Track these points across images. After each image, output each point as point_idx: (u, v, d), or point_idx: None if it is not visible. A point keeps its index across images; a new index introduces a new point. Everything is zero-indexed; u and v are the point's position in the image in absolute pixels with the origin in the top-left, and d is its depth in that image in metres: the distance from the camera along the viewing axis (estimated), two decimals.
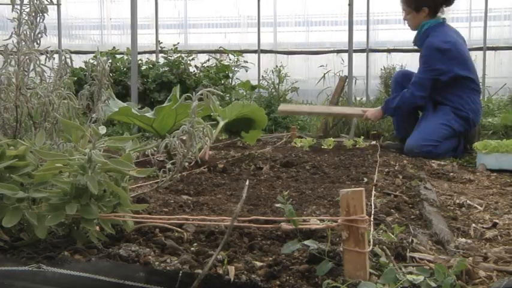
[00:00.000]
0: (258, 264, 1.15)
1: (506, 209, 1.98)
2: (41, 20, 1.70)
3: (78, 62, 6.69)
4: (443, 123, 3.93)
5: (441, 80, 3.91)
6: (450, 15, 9.15)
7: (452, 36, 4.06)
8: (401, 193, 2.15)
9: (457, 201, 2.09)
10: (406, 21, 4.21)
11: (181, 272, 1.04)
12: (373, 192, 2.04)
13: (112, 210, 1.29)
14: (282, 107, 4.98)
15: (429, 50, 3.94)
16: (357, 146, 4.01)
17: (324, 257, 1.11)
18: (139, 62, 6.65)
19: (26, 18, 1.68)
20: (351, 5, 5.99)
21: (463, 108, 3.98)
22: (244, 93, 7.26)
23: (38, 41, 1.72)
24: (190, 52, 7.26)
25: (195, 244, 1.31)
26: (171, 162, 1.67)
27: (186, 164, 1.69)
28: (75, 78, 5.51)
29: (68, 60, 1.76)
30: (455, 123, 3.96)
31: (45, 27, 1.72)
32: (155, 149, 2.37)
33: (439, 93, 4.01)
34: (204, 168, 2.77)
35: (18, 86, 1.68)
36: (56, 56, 1.79)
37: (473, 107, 4.02)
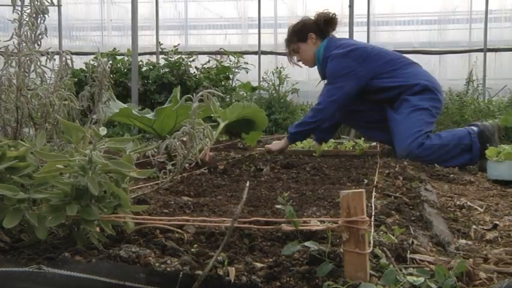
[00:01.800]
0: (259, 265, 1.15)
1: (506, 211, 1.98)
2: (42, 21, 1.71)
3: (79, 63, 6.70)
4: (411, 111, 3.44)
5: (366, 83, 3.55)
6: (451, 16, 9.17)
7: (350, 42, 3.77)
8: (401, 194, 2.15)
9: (458, 202, 2.08)
10: (302, 63, 3.90)
11: (181, 273, 1.04)
12: (374, 194, 2.04)
13: (112, 211, 1.29)
14: None
15: (332, 62, 3.58)
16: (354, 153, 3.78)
17: (324, 258, 1.11)
18: (140, 63, 6.65)
19: (27, 19, 1.68)
20: (351, 6, 6.00)
21: (410, 83, 3.52)
22: (245, 94, 7.27)
23: (39, 42, 1.72)
24: (190, 53, 7.27)
25: (196, 245, 1.31)
26: (171, 163, 1.67)
27: (187, 165, 1.69)
28: (76, 79, 5.52)
29: (69, 62, 1.77)
30: (421, 101, 3.46)
31: (45, 29, 1.73)
32: (155, 150, 2.37)
33: (378, 92, 3.61)
34: (205, 169, 2.77)
35: (19, 87, 1.68)
36: (56, 57, 1.79)
37: (416, 77, 3.56)
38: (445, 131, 3.57)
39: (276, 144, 3.72)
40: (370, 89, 3.57)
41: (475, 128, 3.37)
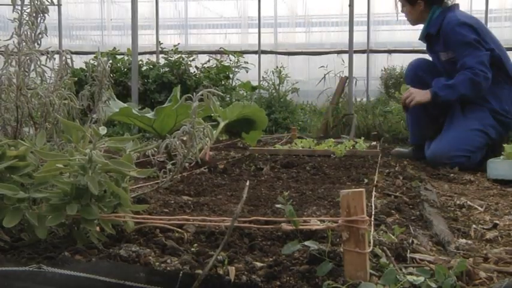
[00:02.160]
0: (259, 264, 1.15)
1: (506, 210, 1.98)
2: (42, 21, 1.70)
3: (79, 62, 6.69)
4: (478, 129, 3.25)
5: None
6: None
7: (472, 16, 3.56)
8: (401, 194, 2.15)
9: (458, 202, 2.08)
10: (406, 16, 3.68)
11: (181, 272, 1.04)
12: (374, 193, 2.04)
13: (112, 211, 1.29)
14: None
15: (458, 27, 3.26)
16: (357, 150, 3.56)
17: (324, 257, 1.11)
18: (140, 62, 6.65)
19: (27, 18, 1.68)
20: (351, 5, 5.99)
21: (503, 112, 3.31)
22: (245, 94, 7.27)
23: (39, 42, 1.72)
24: (190, 53, 7.27)
25: (196, 245, 1.31)
26: (171, 162, 1.67)
27: (187, 164, 1.69)
28: (76, 78, 5.50)
29: (69, 61, 1.76)
30: (493, 130, 3.28)
31: (45, 28, 1.72)
32: (155, 149, 2.37)
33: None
34: (205, 168, 2.77)
35: (19, 87, 1.68)
36: (56, 56, 1.79)
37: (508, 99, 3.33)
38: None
39: (418, 93, 3.32)
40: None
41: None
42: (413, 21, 3.63)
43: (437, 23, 3.38)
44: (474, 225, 1.67)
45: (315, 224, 1.27)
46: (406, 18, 3.69)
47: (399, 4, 3.64)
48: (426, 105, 3.38)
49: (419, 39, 3.66)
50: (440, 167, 3.08)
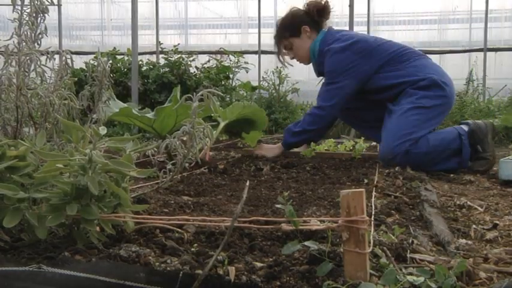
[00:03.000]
0: (259, 264, 1.15)
1: (506, 210, 1.98)
2: (42, 21, 1.71)
3: (79, 62, 6.70)
4: (408, 109, 3.00)
5: (368, 79, 3.16)
6: (450, 16, 9.17)
7: (351, 34, 3.33)
8: (401, 194, 2.15)
9: (458, 202, 2.08)
10: (297, 60, 3.46)
11: (181, 272, 1.04)
12: (374, 193, 2.04)
13: (112, 211, 1.29)
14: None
15: (328, 58, 3.19)
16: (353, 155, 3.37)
17: (324, 257, 1.11)
18: (140, 62, 6.65)
19: (27, 18, 1.68)
20: (351, 6, 5.99)
21: (416, 77, 3.08)
22: (245, 94, 7.26)
23: (39, 42, 1.72)
24: (190, 53, 7.27)
25: (196, 245, 1.31)
26: (171, 162, 1.67)
27: (187, 164, 1.69)
28: (76, 78, 5.51)
29: (69, 61, 1.76)
30: (424, 99, 3.02)
31: (45, 28, 1.72)
32: (155, 149, 2.37)
33: (379, 92, 3.20)
34: (205, 169, 2.77)
35: (19, 87, 1.68)
36: (56, 56, 1.79)
37: (424, 71, 3.11)
38: (434, 133, 3.03)
39: (269, 150, 3.39)
40: (371, 87, 3.18)
41: (465, 128, 3.03)
42: (307, 57, 3.41)
43: (321, 62, 3.27)
44: (474, 226, 1.67)
45: (315, 224, 1.27)
46: (298, 61, 3.51)
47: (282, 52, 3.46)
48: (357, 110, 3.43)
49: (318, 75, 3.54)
50: (392, 167, 2.81)
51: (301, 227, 1.21)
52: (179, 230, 1.40)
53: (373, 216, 1.59)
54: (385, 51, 3.16)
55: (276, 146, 3.44)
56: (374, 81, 3.16)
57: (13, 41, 1.68)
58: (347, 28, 6.13)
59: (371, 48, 3.16)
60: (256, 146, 3.52)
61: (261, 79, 8.08)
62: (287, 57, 3.49)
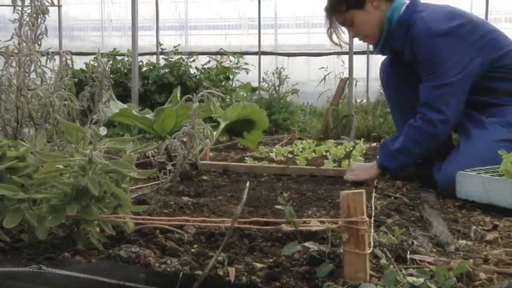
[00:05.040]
0: (259, 265, 1.15)
1: None
2: (42, 22, 1.71)
3: (79, 63, 6.69)
4: (501, 139, 2.20)
5: (473, 73, 2.29)
6: None
7: (447, 7, 2.45)
8: (401, 195, 2.15)
9: (457, 203, 2.08)
10: (360, 38, 2.59)
11: (181, 273, 1.04)
12: (374, 194, 2.04)
13: (112, 212, 1.29)
14: None
15: (427, 41, 2.28)
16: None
17: (324, 258, 1.11)
18: (140, 63, 6.65)
19: (27, 19, 1.68)
20: None
21: None
22: (245, 95, 7.26)
23: (39, 42, 1.72)
24: (190, 54, 7.27)
25: (196, 245, 1.32)
26: (171, 163, 1.67)
27: (187, 165, 1.69)
28: (76, 79, 5.51)
29: (69, 62, 1.77)
30: None
31: (46, 29, 1.73)
32: (156, 150, 2.37)
33: (480, 91, 2.36)
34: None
35: (19, 87, 1.68)
36: (56, 57, 1.79)
37: None
38: None
39: (362, 171, 2.45)
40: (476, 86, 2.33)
41: None
42: (373, 35, 2.51)
43: (400, 35, 2.42)
44: (474, 227, 1.67)
45: (315, 225, 1.27)
46: (361, 40, 2.64)
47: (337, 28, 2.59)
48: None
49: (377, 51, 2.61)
50: (452, 200, 2.10)
51: (301, 228, 1.21)
52: (179, 230, 1.40)
53: (373, 217, 1.59)
54: (499, 40, 2.37)
55: (371, 165, 2.48)
56: (484, 79, 2.35)
57: (13, 42, 1.68)
58: None
59: (482, 32, 2.34)
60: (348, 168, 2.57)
61: (261, 80, 8.08)
62: (344, 35, 2.62)
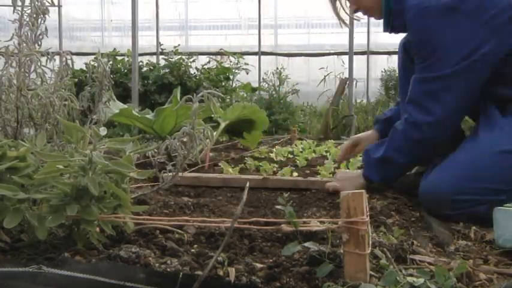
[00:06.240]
0: (259, 265, 1.15)
1: None
2: (42, 22, 1.71)
3: (79, 63, 6.67)
4: (504, 150, 1.74)
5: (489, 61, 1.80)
6: None
7: None
8: (401, 195, 2.14)
9: None
10: (364, 13, 2.22)
11: (181, 273, 1.04)
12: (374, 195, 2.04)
13: (112, 212, 1.29)
14: None
15: (418, 19, 1.86)
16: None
17: (324, 259, 1.11)
18: (140, 63, 6.65)
19: (27, 19, 1.69)
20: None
21: None
22: (245, 95, 7.27)
23: (39, 43, 1.72)
24: (191, 54, 7.27)
25: (196, 246, 1.32)
26: (171, 163, 1.67)
27: (187, 165, 1.69)
28: (76, 79, 5.51)
29: (69, 62, 1.77)
30: None
31: (46, 29, 1.73)
32: (156, 150, 2.37)
33: (499, 82, 1.87)
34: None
35: (19, 88, 1.68)
36: (56, 57, 1.79)
37: None
38: None
39: (347, 182, 2.13)
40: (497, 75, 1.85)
41: None
42: (379, 10, 2.08)
43: (399, 12, 1.97)
44: (474, 227, 1.67)
45: (315, 225, 1.27)
46: (365, 15, 2.26)
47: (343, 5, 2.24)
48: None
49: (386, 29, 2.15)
50: (437, 214, 1.79)
51: (301, 228, 1.21)
52: (179, 231, 1.40)
53: (373, 218, 1.59)
54: None
55: (357, 176, 2.17)
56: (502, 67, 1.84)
57: (13, 42, 1.68)
58: (347, 30, 6.10)
59: (495, 5, 1.80)
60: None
61: (261, 80, 8.09)
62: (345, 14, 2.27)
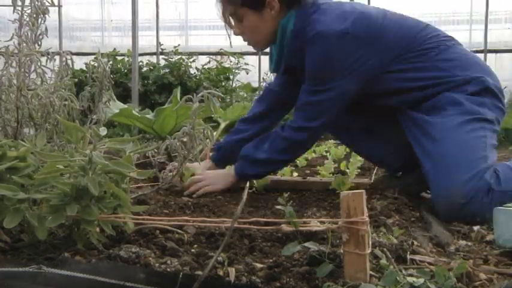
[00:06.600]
0: (259, 265, 1.15)
1: None
2: (42, 22, 1.71)
3: (79, 63, 6.68)
4: (467, 120, 1.86)
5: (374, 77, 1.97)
6: (450, 18, 9.17)
7: (339, 3, 2.05)
8: (401, 195, 2.14)
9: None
10: (248, 41, 2.22)
11: (181, 273, 1.04)
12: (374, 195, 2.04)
13: (112, 212, 1.29)
14: None
15: (322, 49, 1.91)
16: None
17: (324, 259, 1.11)
18: (140, 63, 6.66)
19: (27, 19, 1.69)
20: None
21: (458, 77, 1.95)
22: (245, 95, 7.27)
23: (39, 43, 1.72)
24: (191, 54, 7.28)
25: (196, 246, 1.32)
26: (171, 163, 1.67)
27: None
28: (76, 79, 5.51)
29: (69, 62, 1.77)
30: (482, 107, 1.90)
31: (46, 29, 1.73)
32: (156, 150, 2.37)
33: (391, 94, 2.03)
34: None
35: (19, 87, 1.68)
36: (57, 57, 1.79)
37: (469, 68, 1.97)
38: None
39: (213, 178, 2.15)
40: (380, 88, 2.02)
41: None
42: (263, 39, 2.13)
43: (293, 40, 2.00)
44: (474, 227, 1.67)
45: (315, 225, 1.27)
46: (247, 43, 2.24)
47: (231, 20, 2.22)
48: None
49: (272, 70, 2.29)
50: (460, 220, 1.75)
51: (301, 228, 1.21)
52: (179, 230, 1.40)
53: (373, 218, 1.59)
54: (401, 33, 2.01)
55: (228, 173, 2.19)
56: (386, 80, 2.00)
57: (13, 42, 1.68)
58: None
59: (379, 27, 1.98)
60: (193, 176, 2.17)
61: (261, 80, 8.08)
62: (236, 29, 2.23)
